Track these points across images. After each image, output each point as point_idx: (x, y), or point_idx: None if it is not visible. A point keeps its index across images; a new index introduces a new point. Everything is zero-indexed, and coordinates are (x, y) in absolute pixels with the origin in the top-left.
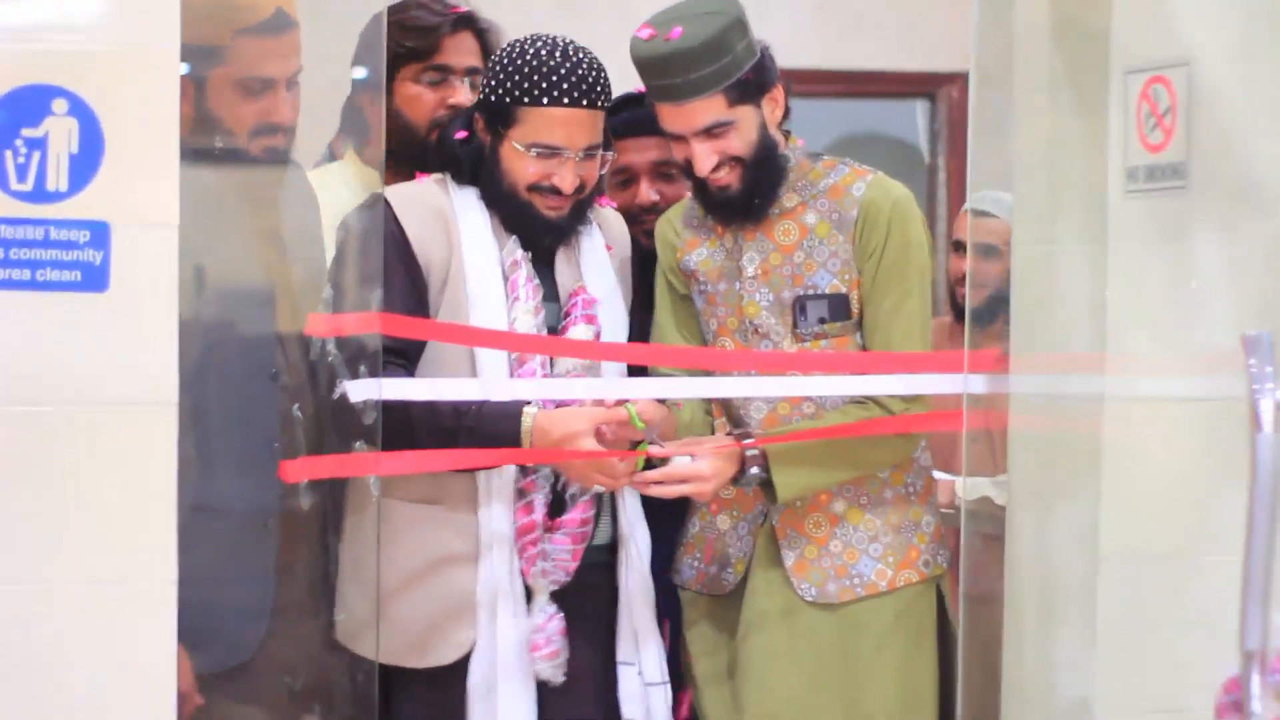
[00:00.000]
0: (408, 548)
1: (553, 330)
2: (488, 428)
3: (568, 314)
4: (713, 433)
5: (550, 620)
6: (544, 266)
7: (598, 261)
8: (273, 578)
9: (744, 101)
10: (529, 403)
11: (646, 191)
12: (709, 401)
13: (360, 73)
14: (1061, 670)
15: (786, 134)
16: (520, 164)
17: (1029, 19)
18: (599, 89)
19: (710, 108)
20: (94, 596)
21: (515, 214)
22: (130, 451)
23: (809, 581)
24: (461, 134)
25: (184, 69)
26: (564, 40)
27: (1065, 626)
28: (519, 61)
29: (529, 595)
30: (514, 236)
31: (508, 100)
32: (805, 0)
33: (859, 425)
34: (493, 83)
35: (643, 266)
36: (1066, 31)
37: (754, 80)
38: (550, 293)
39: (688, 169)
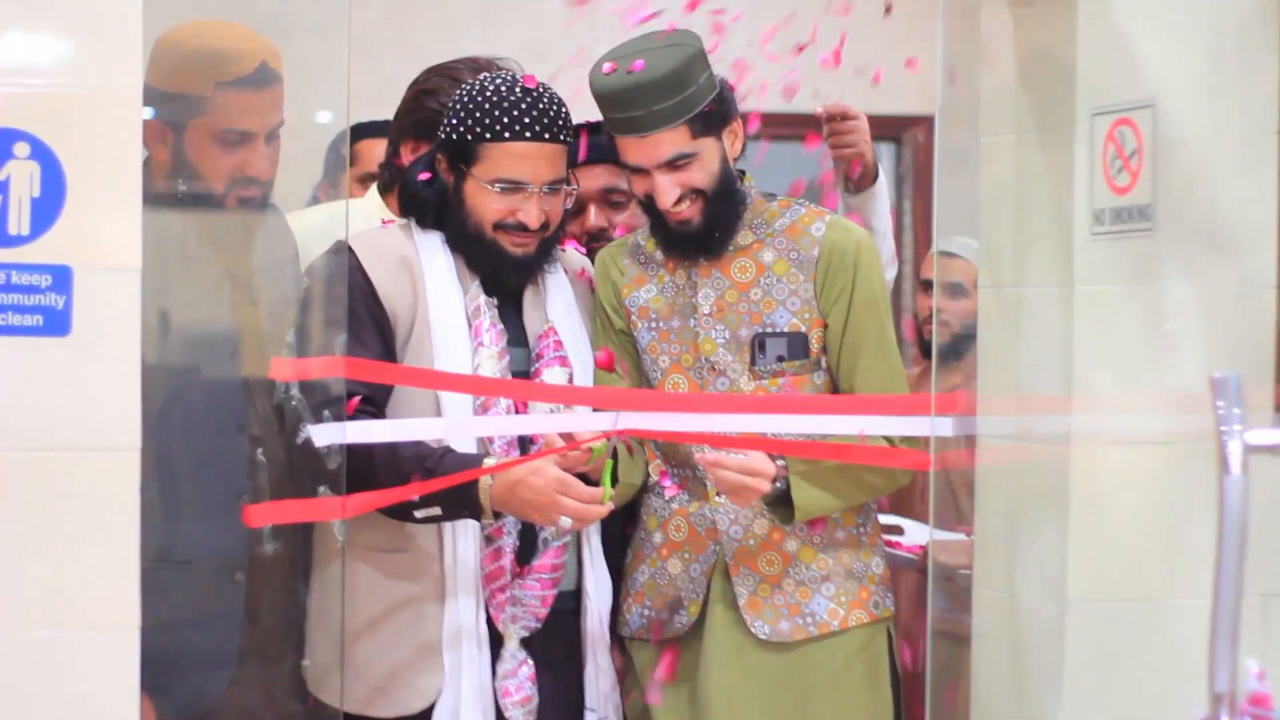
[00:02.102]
0: (374, 596)
1: (521, 376)
2: (448, 464)
3: (539, 356)
4: (646, 470)
5: (521, 666)
6: (511, 311)
7: (564, 301)
8: (238, 625)
9: (706, 133)
10: (488, 455)
11: (593, 218)
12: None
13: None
14: (1029, 714)
15: (741, 173)
16: (484, 201)
17: (994, 61)
18: (560, 123)
19: (674, 139)
20: (56, 643)
21: (481, 253)
22: (93, 497)
23: (762, 619)
24: (424, 175)
25: (162, 116)
26: (526, 82)
27: (1033, 670)
28: (480, 99)
29: (498, 641)
30: (476, 280)
31: (470, 137)
32: (773, 41)
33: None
34: (454, 121)
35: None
36: (1032, 74)
37: (716, 112)
38: (517, 337)
39: (648, 203)
